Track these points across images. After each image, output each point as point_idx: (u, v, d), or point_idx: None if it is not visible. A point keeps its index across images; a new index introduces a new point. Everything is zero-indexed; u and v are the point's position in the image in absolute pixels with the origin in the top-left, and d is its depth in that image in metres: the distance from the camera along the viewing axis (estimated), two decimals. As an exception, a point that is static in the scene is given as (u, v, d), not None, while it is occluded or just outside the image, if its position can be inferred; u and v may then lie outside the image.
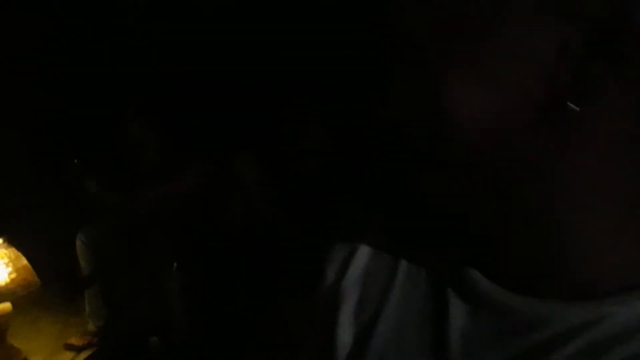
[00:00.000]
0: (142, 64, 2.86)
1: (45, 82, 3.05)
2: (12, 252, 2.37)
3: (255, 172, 2.47)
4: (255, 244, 2.29)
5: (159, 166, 2.63)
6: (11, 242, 2.40)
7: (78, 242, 2.67)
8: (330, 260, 0.52)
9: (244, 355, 1.71)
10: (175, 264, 2.43)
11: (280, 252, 2.18)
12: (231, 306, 2.06)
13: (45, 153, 2.92)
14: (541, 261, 0.38)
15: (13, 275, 2.30)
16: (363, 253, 0.50)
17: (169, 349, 1.93)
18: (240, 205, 2.47)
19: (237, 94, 2.68)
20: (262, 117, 2.57)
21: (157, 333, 1.98)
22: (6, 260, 2.31)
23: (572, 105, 0.33)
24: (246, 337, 1.77)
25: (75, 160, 2.66)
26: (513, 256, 0.40)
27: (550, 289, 0.38)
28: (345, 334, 0.48)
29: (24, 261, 2.40)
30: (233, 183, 2.52)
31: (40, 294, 2.50)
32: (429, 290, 0.45)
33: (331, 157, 2.15)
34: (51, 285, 2.54)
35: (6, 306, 2.31)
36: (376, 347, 0.44)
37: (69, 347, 2.52)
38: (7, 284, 2.27)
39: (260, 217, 2.41)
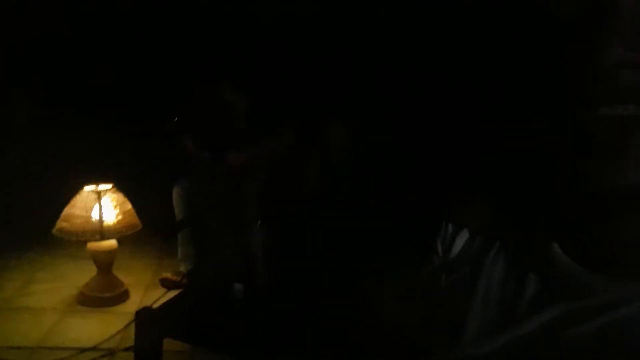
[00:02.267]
0: (239, 35, 3.06)
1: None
2: (120, 196, 2.70)
3: (343, 138, 2.61)
4: (333, 210, 2.46)
5: (249, 130, 2.84)
6: (119, 188, 2.73)
7: (174, 192, 2.94)
8: (439, 241, 0.62)
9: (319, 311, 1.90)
10: (259, 221, 2.63)
11: (356, 221, 2.33)
12: (310, 267, 2.24)
13: (150, 111, 3.23)
14: (609, 250, 0.46)
15: (120, 217, 2.62)
16: (464, 236, 0.59)
17: (251, 296, 2.15)
18: (322, 169, 2.63)
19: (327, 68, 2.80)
20: (348, 91, 2.69)
21: (240, 281, 2.20)
22: (115, 203, 2.64)
23: None
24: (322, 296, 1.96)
25: (175, 119, 2.92)
26: (588, 243, 0.48)
27: (607, 267, 0.46)
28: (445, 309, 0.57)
29: (129, 205, 2.72)
30: (316, 149, 2.68)
31: (141, 236, 2.84)
32: (514, 261, 0.53)
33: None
34: (151, 229, 2.85)
35: (113, 243, 2.64)
36: (470, 322, 0.54)
37: (164, 282, 2.82)
38: (114, 224, 2.60)
39: (341, 183, 2.57)
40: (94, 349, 2.20)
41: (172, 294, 2.46)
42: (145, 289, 2.82)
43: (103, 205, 2.58)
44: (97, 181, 2.69)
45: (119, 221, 2.62)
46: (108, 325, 2.37)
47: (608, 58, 0.39)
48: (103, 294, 2.63)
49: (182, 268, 2.94)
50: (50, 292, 2.72)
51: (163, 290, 2.65)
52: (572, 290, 0.47)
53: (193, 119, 2.92)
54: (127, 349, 2.18)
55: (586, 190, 0.43)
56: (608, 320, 0.44)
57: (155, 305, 2.09)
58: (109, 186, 2.69)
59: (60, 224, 2.54)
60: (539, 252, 0.50)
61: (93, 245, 2.60)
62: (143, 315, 1.96)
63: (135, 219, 2.71)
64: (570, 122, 0.42)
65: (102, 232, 2.53)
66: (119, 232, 2.60)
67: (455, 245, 0.60)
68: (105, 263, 2.68)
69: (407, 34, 2.48)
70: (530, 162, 0.50)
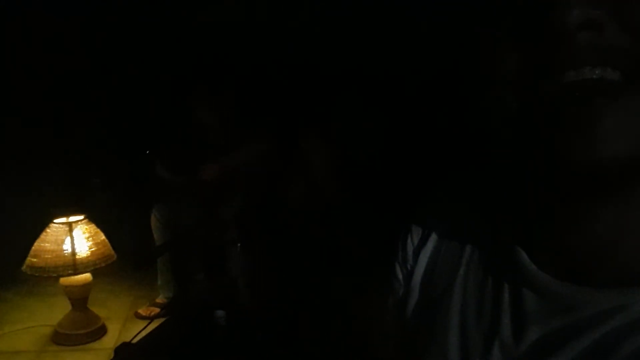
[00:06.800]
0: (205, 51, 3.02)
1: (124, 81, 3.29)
2: (92, 228, 2.59)
3: (322, 150, 2.58)
4: (318, 225, 2.41)
5: (220, 144, 2.78)
6: (91, 219, 2.63)
7: (153, 218, 2.84)
8: (397, 264, 0.58)
9: (302, 333, 1.84)
10: (239, 244, 2.56)
11: (342, 234, 2.28)
12: (293, 287, 2.18)
13: (121, 142, 3.15)
14: (581, 252, 0.43)
15: (93, 249, 2.52)
16: (431, 243, 0.55)
17: (234, 322, 2.08)
18: (305, 184, 2.59)
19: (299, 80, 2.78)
20: (324, 99, 2.66)
21: (223, 307, 2.13)
22: (87, 235, 2.54)
23: None
24: (304, 317, 1.90)
25: (147, 152, 2.85)
26: (558, 245, 0.44)
27: (585, 276, 0.43)
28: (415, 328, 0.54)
29: (102, 236, 2.62)
30: (297, 162, 2.64)
31: (116, 267, 2.73)
32: (485, 276, 0.50)
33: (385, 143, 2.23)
34: (125, 259, 2.74)
35: (87, 276, 2.54)
36: (443, 333, 0.50)
37: (139, 317, 2.73)
38: (87, 257, 2.50)
39: (324, 196, 2.52)
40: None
41: (152, 326, 2.38)
42: (123, 323, 2.71)
43: (75, 238, 2.47)
44: (67, 212, 2.59)
45: (92, 253, 2.52)
46: (86, 364, 2.26)
47: (568, 20, 0.37)
48: (79, 330, 2.51)
49: (161, 296, 2.84)
50: (22, 333, 2.58)
51: (142, 323, 2.55)
52: (551, 305, 0.43)
53: (165, 147, 2.85)
54: (107, 388, 2.08)
55: (561, 167, 0.38)
56: (598, 335, 0.41)
57: (135, 340, 1.99)
58: (80, 217, 2.59)
59: (30, 260, 2.42)
60: (507, 258, 0.47)
61: (66, 281, 2.49)
62: (122, 352, 1.87)
63: (109, 250, 2.61)
64: (538, 95, 0.38)
65: (75, 265, 2.43)
66: (93, 265, 2.49)
67: (418, 266, 0.56)
68: (79, 298, 2.57)
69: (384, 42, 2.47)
70: (502, 150, 0.46)
